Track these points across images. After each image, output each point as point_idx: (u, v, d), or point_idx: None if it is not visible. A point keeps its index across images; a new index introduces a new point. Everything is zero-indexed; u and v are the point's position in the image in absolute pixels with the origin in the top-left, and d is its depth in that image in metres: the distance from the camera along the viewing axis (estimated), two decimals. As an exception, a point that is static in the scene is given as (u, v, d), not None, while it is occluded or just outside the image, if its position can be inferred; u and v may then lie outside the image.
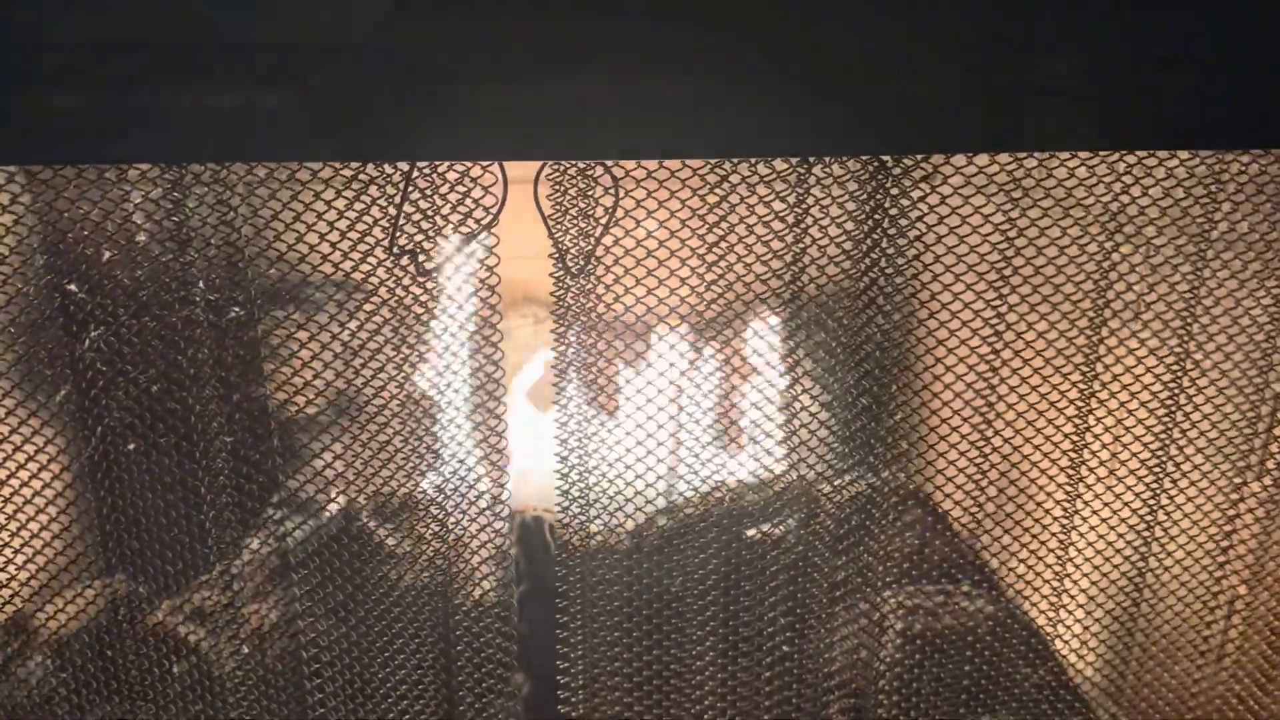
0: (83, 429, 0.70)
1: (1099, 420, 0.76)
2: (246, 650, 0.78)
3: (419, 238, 0.65)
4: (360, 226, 0.64)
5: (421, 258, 0.65)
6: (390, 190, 0.64)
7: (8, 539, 0.73)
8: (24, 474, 0.71)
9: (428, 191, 0.64)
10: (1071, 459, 0.77)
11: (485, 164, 0.64)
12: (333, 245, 0.65)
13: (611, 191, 0.67)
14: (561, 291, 0.70)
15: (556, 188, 0.67)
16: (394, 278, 0.66)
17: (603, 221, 0.68)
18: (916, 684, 0.83)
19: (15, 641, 0.80)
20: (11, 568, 0.74)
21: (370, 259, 0.65)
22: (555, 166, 0.67)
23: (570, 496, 0.75)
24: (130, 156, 0.62)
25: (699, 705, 0.80)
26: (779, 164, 0.66)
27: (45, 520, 0.74)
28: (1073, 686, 0.85)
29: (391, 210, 0.64)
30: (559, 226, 0.68)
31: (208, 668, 0.79)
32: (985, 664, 0.83)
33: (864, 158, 0.66)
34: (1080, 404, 0.75)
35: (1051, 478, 0.77)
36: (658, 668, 0.80)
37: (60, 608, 0.77)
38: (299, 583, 0.75)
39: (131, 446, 0.70)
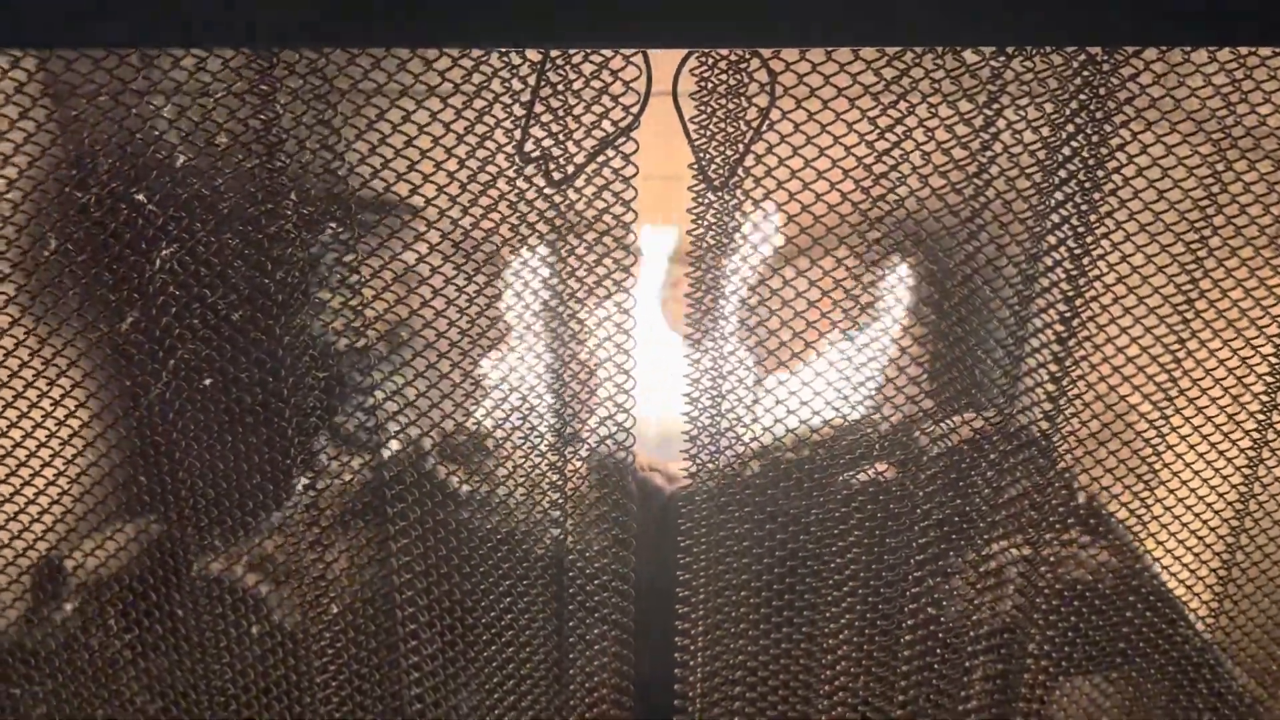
0: (151, 363, 0.61)
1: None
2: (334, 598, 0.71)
3: (549, 142, 0.55)
4: (480, 129, 0.55)
5: (551, 166, 0.55)
6: (518, 85, 0.54)
7: (60, 481, 0.65)
8: (82, 414, 0.63)
9: (560, 88, 0.55)
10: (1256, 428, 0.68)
11: (628, 53, 0.54)
12: (448, 151, 0.55)
13: (766, 90, 0.57)
14: (701, 209, 0.61)
15: (701, 85, 0.58)
16: (518, 191, 0.56)
17: (754, 126, 0.58)
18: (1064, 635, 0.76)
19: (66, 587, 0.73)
20: (59, 510, 0.66)
21: (491, 167, 0.56)
22: (702, 59, 0.57)
23: (699, 433, 0.66)
24: (205, 40, 0.52)
25: (829, 665, 0.73)
26: (969, 56, 0.56)
27: (94, 465, 0.66)
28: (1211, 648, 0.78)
29: (519, 110, 0.54)
30: (702, 132, 0.59)
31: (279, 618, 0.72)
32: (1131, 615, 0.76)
33: (1070, 50, 0.56)
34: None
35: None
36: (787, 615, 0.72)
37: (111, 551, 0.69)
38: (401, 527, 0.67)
39: (209, 382, 0.62)
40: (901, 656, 0.73)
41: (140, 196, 0.55)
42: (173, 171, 0.55)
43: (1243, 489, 0.71)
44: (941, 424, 0.71)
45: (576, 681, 0.72)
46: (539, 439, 0.66)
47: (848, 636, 0.72)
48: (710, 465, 0.67)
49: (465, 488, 0.70)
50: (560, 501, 0.67)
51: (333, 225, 0.56)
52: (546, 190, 0.56)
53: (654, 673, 0.75)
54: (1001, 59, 0.56)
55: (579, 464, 0.66)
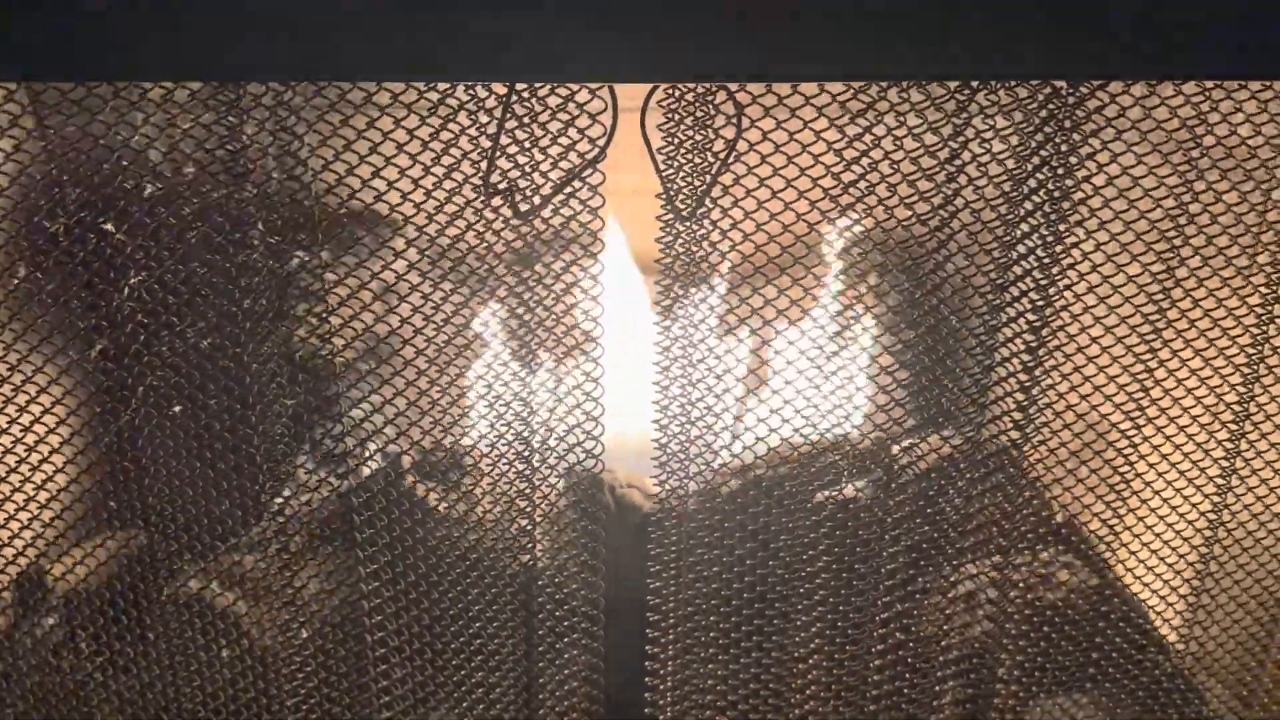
0: (119, 390, 0.61)
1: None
2: (305, 620, 0.71)
3: (515, 174, 0.56)
4: (447, 160, 0.55)
5: (518, 197, 0.56)
6: (484, 119, 0.54)
7: (33, 500, 0.65)
8: (52, 439, 0.63)
9: (526, 120, 0.55)
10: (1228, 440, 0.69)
11: (594, 87, 0.54)
12: (414, 182, 0.55)
13: (733, 122, 0.57)
14: (669, 237, 0.61)
15: (669, 117, 0.58)
16: (485, 221, 0.57)
17: (721, 157, 0.58)
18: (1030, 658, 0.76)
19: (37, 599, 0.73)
20: (33, 531, 0.66)
21: (459, 198, 0.56)
22: (670, 92, 0.57)
23: (669, 456, 0.67)
24: (177, 73, 0.52)
25: (799, 688, 0.73)
26: (935, 90, 0.57)
27: (67, 485, 0.66)
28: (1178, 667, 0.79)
29: (485, 142, 0.54)
30: (669, 163, 0.59)
31: (252, 639, 0.72)
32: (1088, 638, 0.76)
33: (1035, 84, 0.57)
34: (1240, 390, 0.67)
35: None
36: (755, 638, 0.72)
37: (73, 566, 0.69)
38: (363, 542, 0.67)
39: (177, 409, 0.62)
40: (872, 678, 0.74)
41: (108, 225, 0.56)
42: (142, 198, 0.55)
43: (1215, 502, 0.71)
44: (912, 443, 0.71)
45: (546, 706, 0.72)
46: (507, 456, 0.66)
47: (818, 657, 0.73)
48: (680, 484, 0.67)
49: (431, 505, 0.71)
50: (529, 520, 0.67)
51: (299, 254, 0.57)
52: (514, 221, 0.56)
53: (630, 693, 0.75)
54: (966, 92, 0.57)
55: (549, 482, 0.67)
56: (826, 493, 0.72)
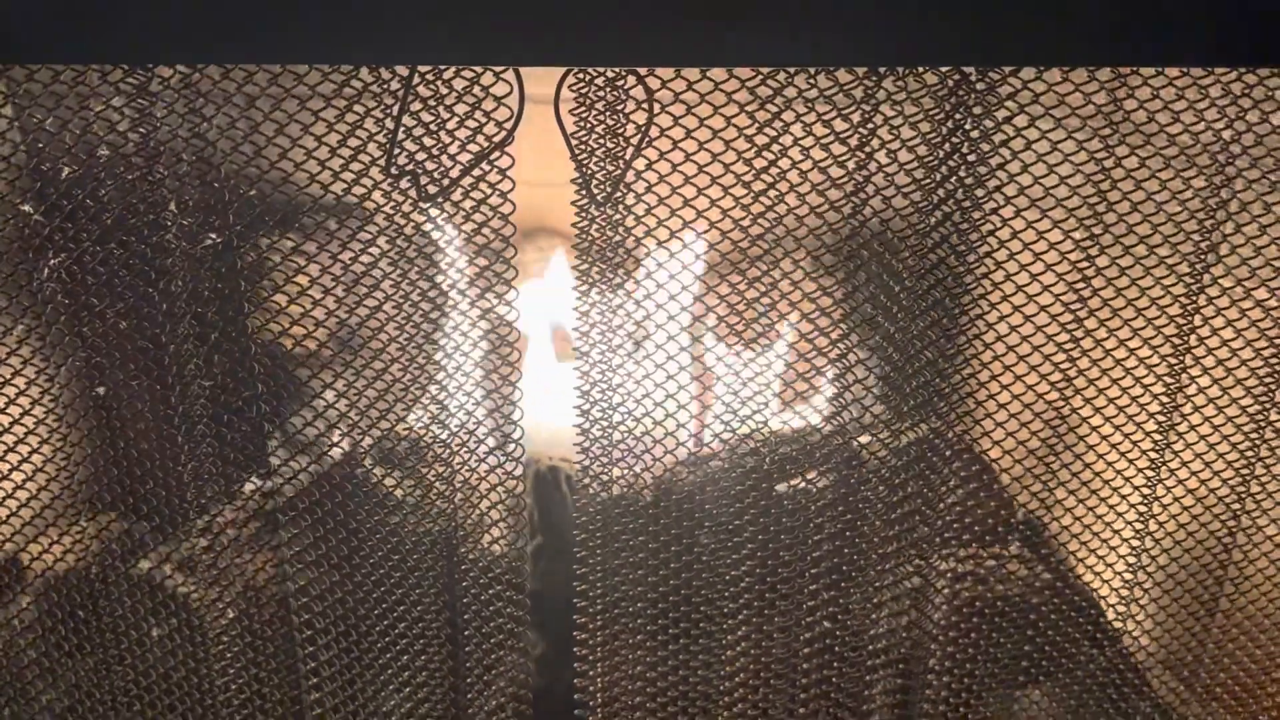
0: (45, 368, 0.62)
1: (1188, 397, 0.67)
2: (236, 602, 0.72)
3: (421, 157, 0.56)
4: (353, 143, 0.55)
5: (424, 180, 0.56)
6: (388, 101, 0.55)
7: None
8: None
9: (431, 103, 0.55)
10: (1157, 426, 0.68)
11: (498, 70, 0.55)
12: (321, 164, 0.56)
13: (645, 107, 0.57)
14: (585, 222, 0.61)
15: (581, 101, 0.58)
16: (393, 203, 0.57)
17: (634, 143, 0.59)
18: (965, 654, 0.76)
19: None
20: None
21: (365, 181, 0.56)
22: (580, 76, 0.57)
23: (591, 442, 0.67)
24: (86, 56, 0.53)
25: (729, 678, 0.73)
26: (843, 76, 0.57)
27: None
28: (1131, 660, 0.78)
29: (389, 124, 0.55)
30: (583, 148, 0.59)
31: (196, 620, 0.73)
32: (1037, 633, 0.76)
33: (944, 70, 0.57)
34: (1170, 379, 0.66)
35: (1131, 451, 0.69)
36: (684, 627, 0.73)
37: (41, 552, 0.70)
38: (295, 533, 0.68)
39: (100, 390, 0.63)
40: (801, 670, 0.74)
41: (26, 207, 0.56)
42: (59, 182, 0.56)
43: (1147, 487, 0.71)
44: (843, 435, 0.71)
45: (474, 690, 0.72)
46: (425, 438, 0.66)
47: (745, 650, 0.73)
48: (601, 482, 0.68)
49: (362, 488, 0.71)
50: (449, 503, 0.68)
51: (211, 235, 0.57)
52: (421, 204, 0.57)
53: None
54: (874, 79, 0.57)
55: (467, 461, 0.67)
56: (758, 484, 0.72)
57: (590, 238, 0.61)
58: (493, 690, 0.74)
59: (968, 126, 0.57)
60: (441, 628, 0.70)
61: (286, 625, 0.72)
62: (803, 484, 0.72)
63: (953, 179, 0.59)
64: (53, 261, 0.59)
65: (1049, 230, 0.62)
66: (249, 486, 0.74)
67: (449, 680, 0.73)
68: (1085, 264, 0.64)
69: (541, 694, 0.79)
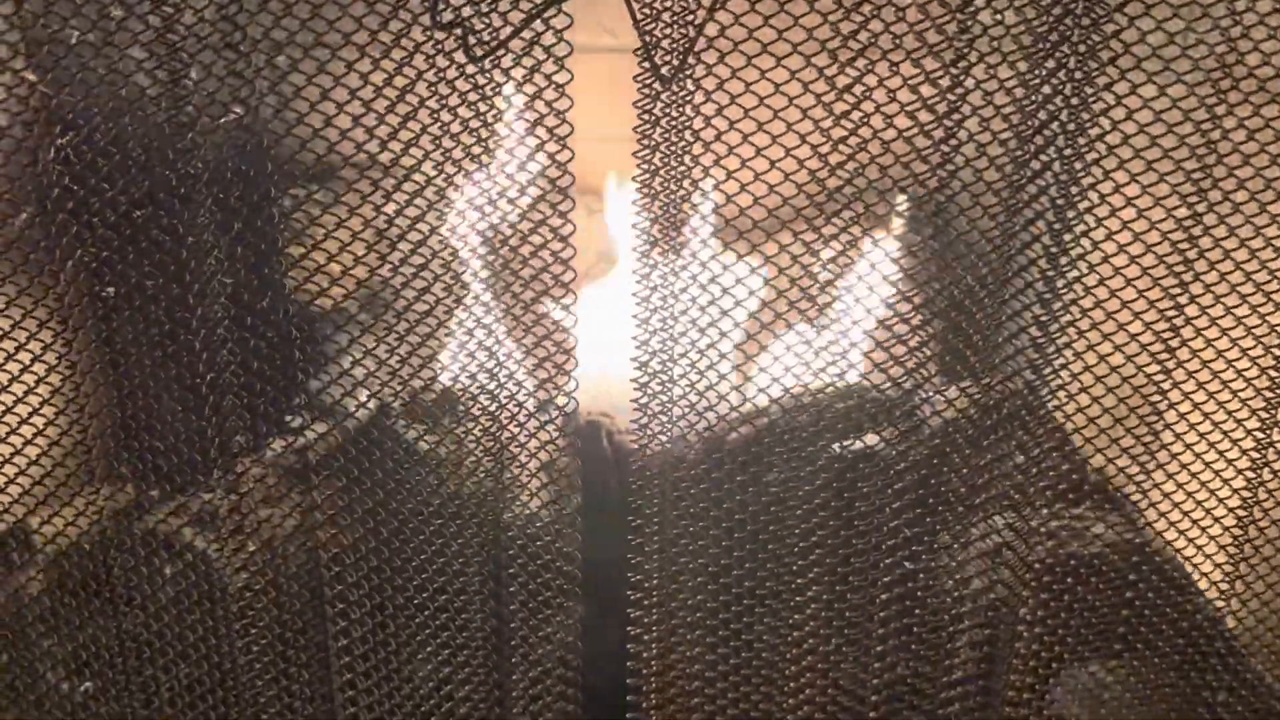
0: (47, 267, 0.56)
1: None
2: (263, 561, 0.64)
3: (468, 10, 0.50)
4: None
5: (472, 39, 0.50)
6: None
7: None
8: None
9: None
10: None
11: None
12: (355, 20, 0.50)
13: (718, -36, 0.51)
14: (649, 102, 0.54)
15: (646, -41, 0.52)
16: (435, 67, 0.51)
17: (705, 5, 0.52)
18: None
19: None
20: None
21: (406, 41, 0.50)
22: (646, -71, 0.51)
23: (649, 393, 0.59)
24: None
25: (797, 648, 0.65)
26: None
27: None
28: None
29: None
30: (649, 13, 0.53)
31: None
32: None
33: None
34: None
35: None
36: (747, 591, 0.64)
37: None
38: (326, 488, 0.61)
39: (110, 291, 0.57)
40: (875, 649, 0.65)
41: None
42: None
43: (1256, 455, 0.62)
44: (922, 394, 0.63)
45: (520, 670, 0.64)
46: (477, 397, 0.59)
47: (817, 624, 0.64)
48: (662, 436, 0.60)
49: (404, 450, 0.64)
50: (497, 463, 0.60)
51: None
52: (468, 63, 0.50)
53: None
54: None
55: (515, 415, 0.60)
56: (825, 444, 0.63)
57: (654, 120, 0.55)
58: (539, 655, 0.65)
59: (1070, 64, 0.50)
60: (484, 596, 0.63)
61: (316, 581, 0.65)
62: (882, 444, 0.64)
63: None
64: (60, 141, 0.53)
65: (1155, 183, 0.54)
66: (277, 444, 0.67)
67: (491, 648, 0.65)
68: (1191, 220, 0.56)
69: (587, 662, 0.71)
